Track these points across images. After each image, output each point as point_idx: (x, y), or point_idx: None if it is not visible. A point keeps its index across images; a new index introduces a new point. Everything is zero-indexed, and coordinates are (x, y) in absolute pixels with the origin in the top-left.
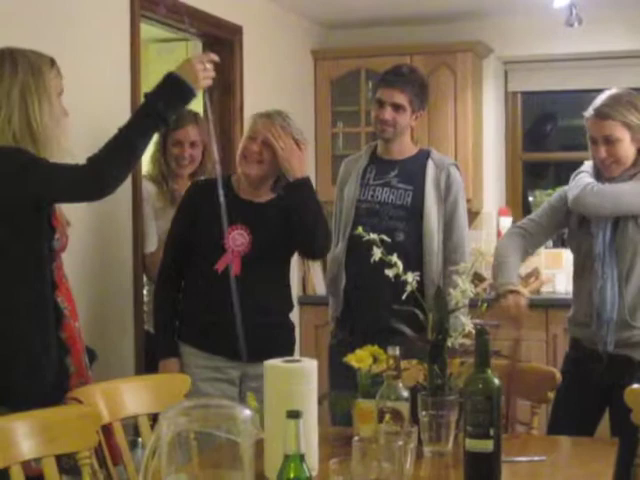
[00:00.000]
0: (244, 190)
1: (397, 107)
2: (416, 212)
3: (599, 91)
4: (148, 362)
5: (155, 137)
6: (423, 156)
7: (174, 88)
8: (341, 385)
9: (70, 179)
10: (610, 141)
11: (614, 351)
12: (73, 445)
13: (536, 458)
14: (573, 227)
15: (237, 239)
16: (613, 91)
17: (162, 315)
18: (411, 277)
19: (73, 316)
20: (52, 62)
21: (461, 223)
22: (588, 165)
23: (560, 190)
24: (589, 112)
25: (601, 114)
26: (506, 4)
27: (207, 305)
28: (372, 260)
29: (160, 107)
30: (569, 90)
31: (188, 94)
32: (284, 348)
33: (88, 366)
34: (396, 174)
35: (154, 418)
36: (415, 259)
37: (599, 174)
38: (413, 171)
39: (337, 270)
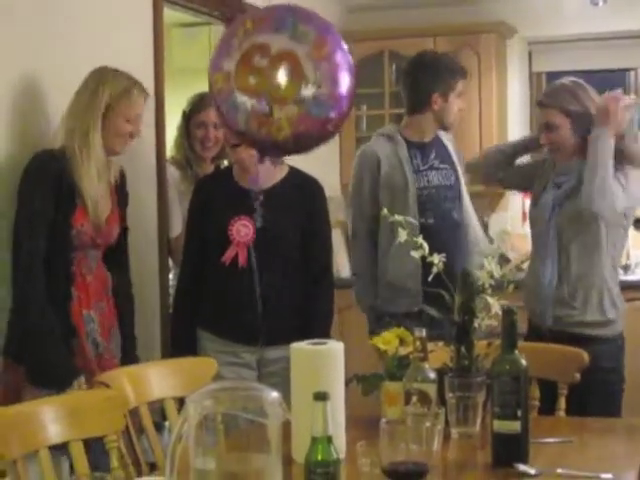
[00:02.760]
0: (244, 179)
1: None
2: (458, 189)
3: (624, 70)
4: (172, 347)
5: (178, 121)
6: (438, 133)
7: None
8: None
9: None
10: (549, 128)
11: (554, 327)
12: (100, 429)
13: (564, 439)
14: (532, 201)
15: (241, 230)
16: (560, 81)
17: (180, 329)
18: (437, 259)
19: (84, 304)
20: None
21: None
22: None
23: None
24: (537, 102)
25: (541, 102)
26: None
27: (222, 294)
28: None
29: None
30: (594, 70)
31: None
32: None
33: (93, 354)
34: (435, 156)
35: (180, 402)
36: (463, 236)
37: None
38: (443, 149)
39: (415, 268)
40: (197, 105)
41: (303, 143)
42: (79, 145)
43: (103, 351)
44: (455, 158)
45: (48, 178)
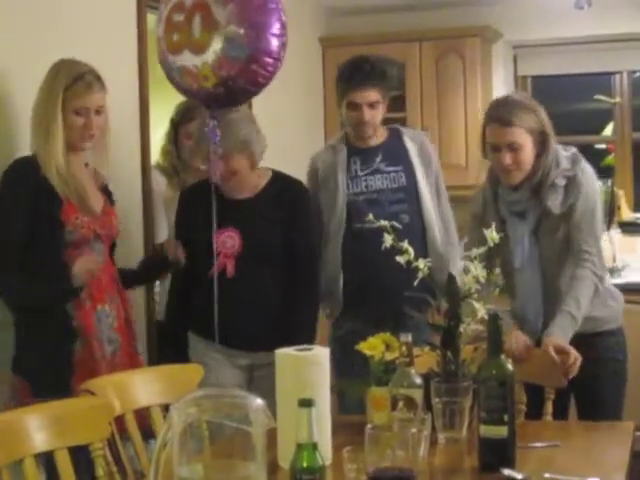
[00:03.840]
0: (227, 189)
1: (372, 105)
2: (412, 191)
3: (609, 74)
4: (159, 353)
5: (166, 129)
6: (395, 135)
7: None
8: (350, 375)
9: None
10: (514, 148)
11: None
12: (86, 437)
13: (551, 443)
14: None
15: (227, 242)
16: (511, 95)
17: (172, 329)
18: (422, 263)
19: (98, 298)
20: (76, 77)
21: (444, 192)
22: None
23: (474, 203)
24: (490, 117)
25: (504, 121)
26: None
27: (211, 302)
28: (383, 247)
29: None
30: (579, 73)
31: None
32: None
33: (108, 353)
34: (381, 159)
35: (167, 409)
36: (419, 237)
37: (496, 181)
38: (395, 152)
39: (334, 270)
40: (187, 115)
41: (236, 89)
42: (43, 140)
43: (118, 347)
44: (415, 160)
45: (23, 181)
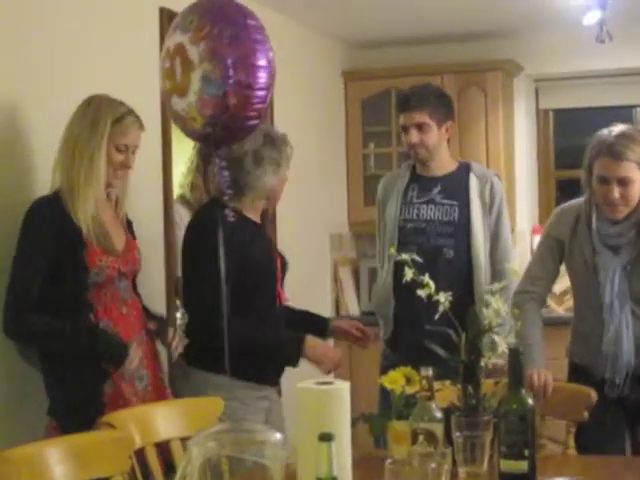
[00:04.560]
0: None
1: (420, 126)
2: (463, 227)
3: (631, 107)
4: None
5: (195, 164)
6: (463, 170)
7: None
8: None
9: None
10: (625, 183)
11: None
12: (106, 470)
13: (572, 478)
14: (575, 268)
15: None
16: (623, 129)
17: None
18: (443, 297)
19: (125, 336)
20: (124, 114)
21: (506, 234)
22: (575, 204)
23: (543, 235)
24: (600, 150)
25: (617, 154)
26: (535, 22)
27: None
28: (404, 280)
29: None
30: (600, 107)
31: None
32: None
33: (139, 389)
34: (439, 190)
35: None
36: (465, 275)
37: (593, 213)
38: (456, 186)
39: (386, 294)
40: None
41: (226, 127)
42: (85, 173)
43: (149, 383)
44: (475, 197)
45: (46, 226)
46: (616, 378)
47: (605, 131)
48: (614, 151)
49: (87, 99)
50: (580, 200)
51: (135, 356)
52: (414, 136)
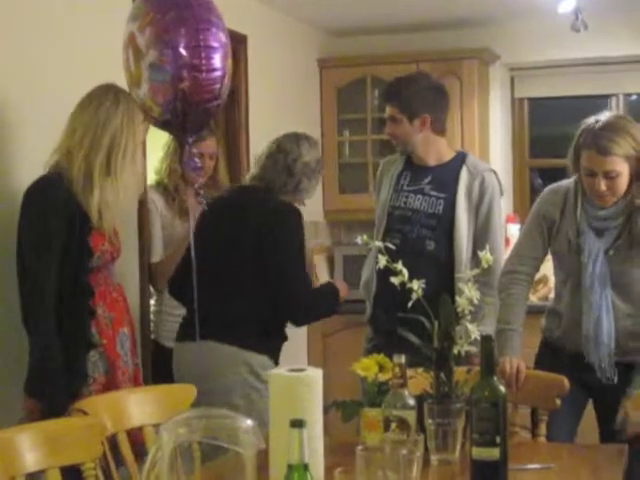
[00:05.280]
0: None
1: (392, 119)
2: (447, 221)
3: (606, 96)
4: (155, 372)
5: (172, 148)
6: (458, 162)
7: None
8: None
9: None
10: (611, 176)
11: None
12: (78, 456)
13: (544, 466)
14: (559, 249)
15: None
16: (610, 119)
17: None
18: (416, 285)
19: (115, 324)
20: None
21: (495, 230)
22: (564, 185)
23: (533, 214)
24: (586, 141)
25: (603, 149)
26: (511, 10)
27: None
28: (377, 267)
29: None
30: (575, 96)
31: None
32: None
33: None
34: (429, 181)
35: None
36: (446, 268)
37: (579, 195)
38: (446, 179)
39: (369, 275)
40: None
41: (182, 112)
42: (130, 165)
43: (134, 369)
44: (462, 192)
45: (58, 210)
46: (602, 363)
47: (592, 120)
48: (600, 145)
49: (107, 86)
50: (569, 181)
51: (125, 341)
52: (388, 127)
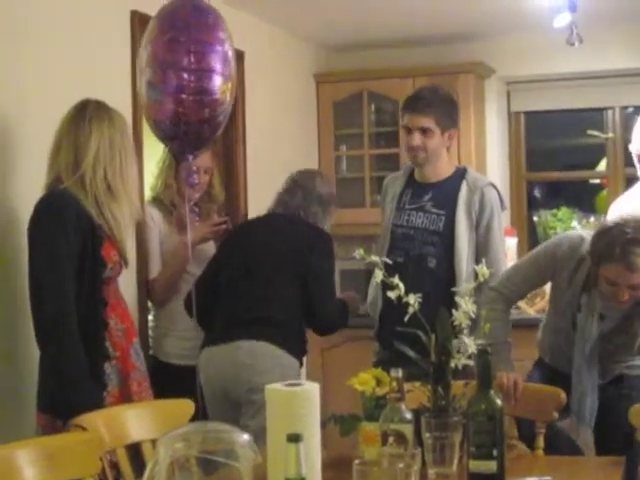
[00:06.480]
0: None
1: (424, 131)
2: (447, 237)
3: (601, 110)
4: (154, 388)
5: (167, 163)
6: (458, 177)
7: None
8: None
9: None
10: (635, 287)
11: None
12: (76, 472)
13: (541, 478)
14: (559, 292)
15: None
16: (636, 232)
17: None
18: (413, 299)
19: (128, 335)
20: None
21: (495, 246)
22: (576, 252)
23: (548, 252)
24: (614, 258)
25: (634, 267)
26: (506, 24)
27: None
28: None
29: None
30: (571, 109)
31: None
32: None
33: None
34: (430, 198)
35: None
36: (448, 285)
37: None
38: (446, 195)
39: (376, 293)
40: None
41: (180, 133)
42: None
43: (143, 378)
44: (461, 207)
45: (72, 222)
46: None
47: (615, 229)
48: (630, 262)
49: (87, 102)
50: (583, 246)
51: (140, 352)
52: (416, 139)
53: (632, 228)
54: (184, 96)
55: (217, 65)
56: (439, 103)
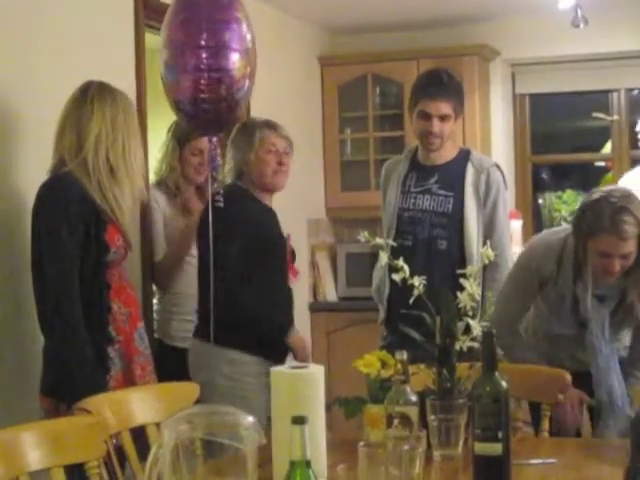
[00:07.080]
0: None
1: (442, 117)
2: (456, 219)
3: (607, 92)
4: (159, 371)
5: (171, 146)
6: (462, 159)
7: None
8: None
9: None
10: (624, 257)
11: None
12: (81, 455)
13: (546, 461)
14: (548, 297)
15: None
16: (624, 201)
17: None
18: (417, 281)
19: (132, 320)
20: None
21: (501, 226)
22: (556, 243)
23: (522, 268)
24: (605, 228)
25: (625, 235)
26: (511, 6)
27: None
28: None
29: None
30: (576, 91)
31: None
32: None
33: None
34: (436, 180)
35: None
36: (457, 267)
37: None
38: (453, 177)
39: (381, 277)
40: (193, 132)
41: (197, 112)
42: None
43: (147, 362)
44: (469, 188)
45: (74, 204)
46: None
47: (602, 200)
48: (622, 230)
49: (90, 84)
50: (559, 236)
51: (144, 336)
52: (436, 125)
53: (618, 198)
54: (200, 74)
55: (233, 43)
56: (456, 89)
